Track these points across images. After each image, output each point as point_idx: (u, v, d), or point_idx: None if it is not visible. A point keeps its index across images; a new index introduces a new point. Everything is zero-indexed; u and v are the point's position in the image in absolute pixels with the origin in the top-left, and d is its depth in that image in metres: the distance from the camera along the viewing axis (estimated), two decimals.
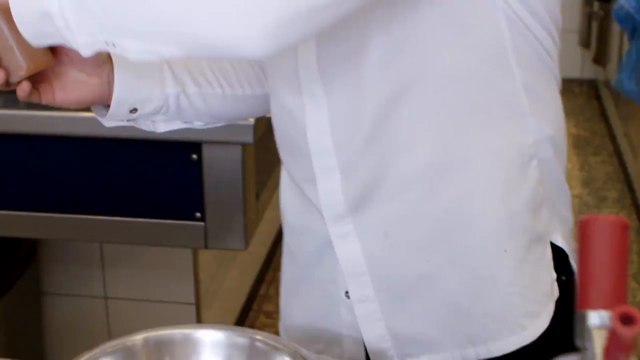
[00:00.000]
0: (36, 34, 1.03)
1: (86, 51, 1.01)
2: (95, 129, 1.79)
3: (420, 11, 1.05)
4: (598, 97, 5.30)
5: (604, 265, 0.71)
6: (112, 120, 1.23)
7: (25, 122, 1.85)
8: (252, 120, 1.74)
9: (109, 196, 1.89)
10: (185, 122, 1.29)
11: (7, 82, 1.12)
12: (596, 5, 4.95)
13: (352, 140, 1.12)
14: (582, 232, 0.73)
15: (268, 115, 1.33)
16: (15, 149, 1.88)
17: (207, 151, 1.79)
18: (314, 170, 1.15)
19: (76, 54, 1.15)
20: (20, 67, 1.10)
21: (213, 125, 1.33)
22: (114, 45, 0.98)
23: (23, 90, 1.13)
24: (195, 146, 1.78)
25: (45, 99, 1.16)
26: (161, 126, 1.27)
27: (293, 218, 1.26)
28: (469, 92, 1.09)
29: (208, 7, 0.91)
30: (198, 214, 1.84)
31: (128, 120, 1.24)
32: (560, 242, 1.18)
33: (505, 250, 1.13)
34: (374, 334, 1.19)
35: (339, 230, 1.17)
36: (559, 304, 1.17)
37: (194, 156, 1.79)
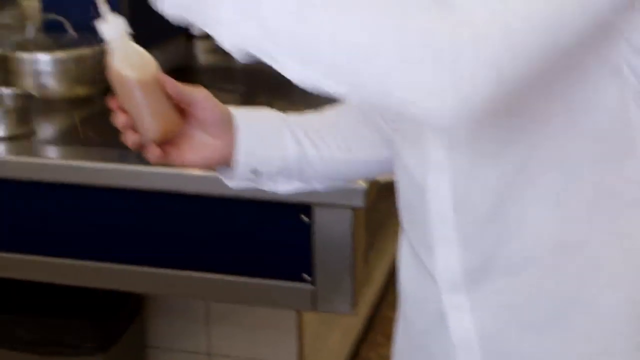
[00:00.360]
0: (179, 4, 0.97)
1: (232, 47, 0.95)
2: (206, 187, 1.82)
3: (538, 97, 1.03)
4: None
5: None
6: (235, 181, 1.24)
7: (137, 177, 1.87)
8: (364, 185, 1.73)
9: (217, 254, 1.89)
10: (305, 183, 1.29)
11: (139, 144, 1.15)
12: None
13: (473, 212, 1.10)
14: None
15: (380, 179, 1.32)
16: (126, 203, 1.91)
17: (318, 213, 1.78)
18: (433, 237, 1.14)
19: (203, 116, 1.16)
20: (152, 131, 1.13)
21: (331, 187, 1.33)
22: (271, 57, 0.93)
23: (154, 155, 1.15)
24: (306, 208, 1.78)
25: (173, 160, 1.18)
26: (282, 187, 1.27)
27: (409, 285, 1.24)
28: (593, 175, 1.06)
29: (407, 57, 0.87)
30: (306, 276, 1.83)
31: (250, 180, 1.25)
32: None
33: (625, 337, 1.09)
34: None
35: (453, 301, 1.14)
36: None
37: (305, 218, 1.79)
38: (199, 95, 1.17)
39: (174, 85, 1.14)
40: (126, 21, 1.10)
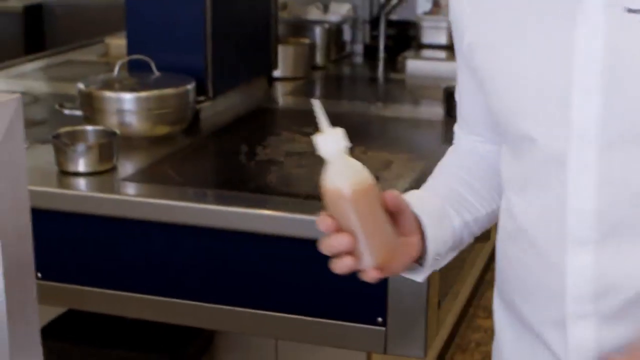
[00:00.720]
0: None
1: None
2: (281, 228, 1.83)
3: None
4: None
5: None
6: (424, 273, 1.19)
7: (214, 216, 1.90)
8: None
9: (292, 294, 1.91)
10: (458, 250, 1.25)
11: (353, 269, 1.05)
12: None
13: (615, 295, 1.09)
14: None
15: None
16: (202, 241, 1.94)
17: None
18: (565, 315, 1.11)
19: (407, 221, 1.10)
20: (372, 256, 1.03)
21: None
22: None
23: (371, 278, 1.07)
24: None
25: (384, 275, 1.09)
26: (442, 262, 1.23)
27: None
28: None
29: None
30: (379, 319, 1.84)
31: (433, 267, 1.20)
32: None
33: None
34: None
35: None
36: None
37: None
38: (404, 201, 1.10)
39: (393, 197, 1.06)
40: (345, 134, 1.01)
